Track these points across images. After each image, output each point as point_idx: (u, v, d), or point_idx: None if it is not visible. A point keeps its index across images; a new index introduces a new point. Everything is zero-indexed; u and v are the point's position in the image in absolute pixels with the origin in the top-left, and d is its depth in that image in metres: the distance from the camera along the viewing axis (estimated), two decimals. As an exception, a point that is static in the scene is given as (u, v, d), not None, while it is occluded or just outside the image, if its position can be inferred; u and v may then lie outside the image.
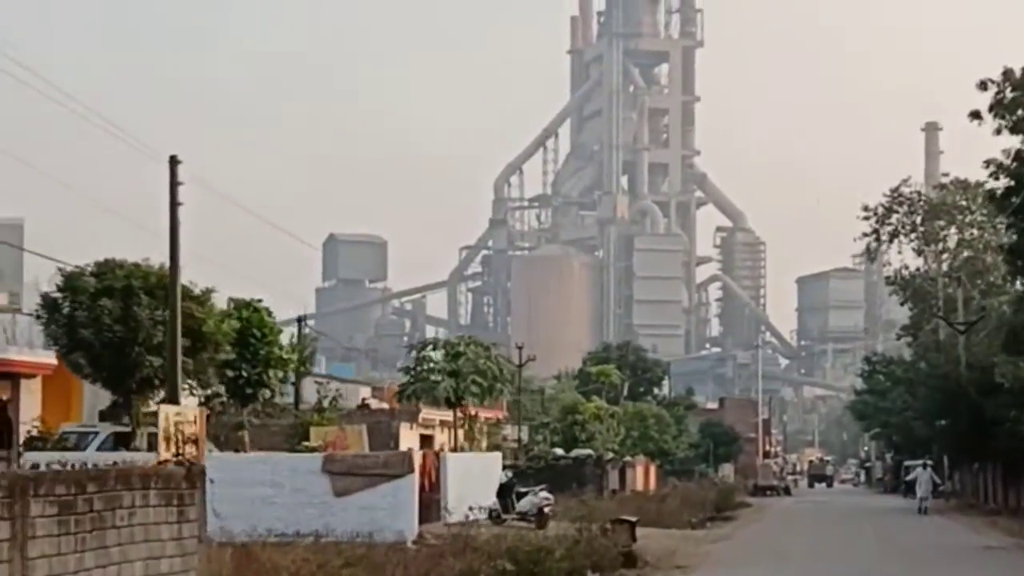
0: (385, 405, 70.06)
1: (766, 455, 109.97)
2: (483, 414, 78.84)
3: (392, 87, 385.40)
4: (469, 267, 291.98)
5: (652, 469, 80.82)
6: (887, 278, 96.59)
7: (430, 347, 40.40)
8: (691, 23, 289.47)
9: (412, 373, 39.87)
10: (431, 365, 39.79)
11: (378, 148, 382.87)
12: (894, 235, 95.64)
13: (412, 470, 33.92)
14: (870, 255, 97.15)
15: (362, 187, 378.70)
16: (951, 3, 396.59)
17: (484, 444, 77.92)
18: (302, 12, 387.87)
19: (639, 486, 75.20)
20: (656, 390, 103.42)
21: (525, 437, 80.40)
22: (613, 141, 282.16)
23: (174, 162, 28.34)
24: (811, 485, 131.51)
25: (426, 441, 73.39)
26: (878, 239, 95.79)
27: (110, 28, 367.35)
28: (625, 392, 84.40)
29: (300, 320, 52.17)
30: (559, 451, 68.03)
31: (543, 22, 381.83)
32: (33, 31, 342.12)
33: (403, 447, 67.69)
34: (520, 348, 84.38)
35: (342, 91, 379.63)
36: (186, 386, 38.73)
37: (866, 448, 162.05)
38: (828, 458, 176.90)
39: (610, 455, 67.40)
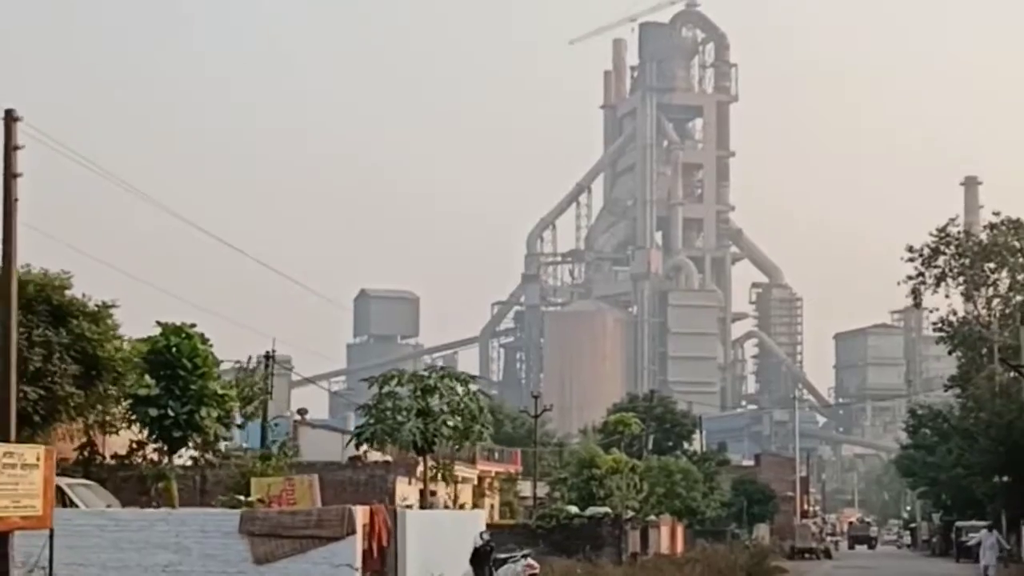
0: (389, 458, 62.57)
1: (804, 515, 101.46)
2: (494, 468, 71.28)
3: (425, 141, 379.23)
4: (502, 323, 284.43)
5: (679, 530, 72.72)
6: (934, 324, 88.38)
7: (395, 380, 32.52)
8: (725, 77, 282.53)
9: (373, 412, 32.01)
10: (396, 403, 31.90)
11: (410, 203, 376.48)
12: (940, 279, 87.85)
13: (353, 531, 26.26)
14: (915, 300, 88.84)
15: (394, 242, 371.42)
16: (987, 64, 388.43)
17: (496, 501, 70.38)
18: (337, 71, 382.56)
19: (664, 548, 67.14)
20: (686, 444, 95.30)
21: (542, 493, 72.77)
22: (647, 196, 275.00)
23: (10, 118, 20.87)
24: (852, 547, 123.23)
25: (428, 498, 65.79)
26: (923, 283, 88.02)
27: (118, 86, 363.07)
28: (650, 445, 76.41)
29: (268, 357, 44.66)
30: (573, 509, 60.04)
31: (576, 76, 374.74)
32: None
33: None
34: (536, 397, 76.74)
35: (375, 147, 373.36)
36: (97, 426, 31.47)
37: (908, 508, 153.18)
38: (869, 519, 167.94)
39: (630, 514, 59.40)
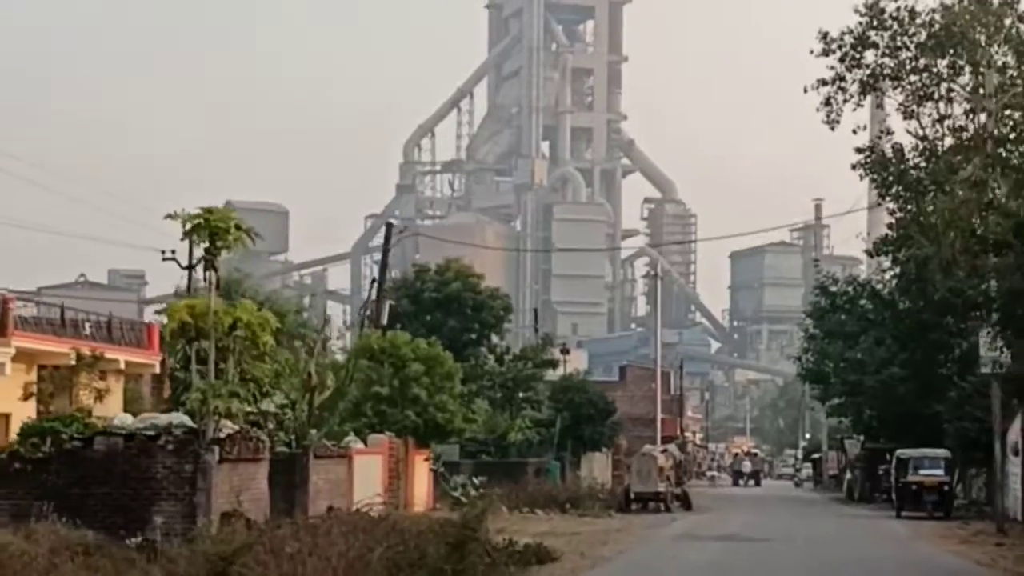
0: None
1: (668, 439, 68.25)
2: (60, 346, 37.42)
3: (294, 37, 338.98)
4: (375, 237, 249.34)
5: (418, 462, 38.79)
6: (857, 154, 54.64)
7: None
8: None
9: None
10: None
11: (279, 108, 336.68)
12: (869, 84, 54.52)
13: None
14: (829, 117, 54.28)
15: (260, 150, 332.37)
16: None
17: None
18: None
19: (359, 497, 33.18)
20: (495, 338, 61.66)
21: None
22: (533, 103, 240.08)
23: None
24: (735, 483, 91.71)
25: None
26: (842, 89, 54.55)
27: None
28: (383, 319, 42.21)
29: None
30: (123, 420, 26.56)
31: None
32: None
33: None
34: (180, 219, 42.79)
35: (239, 44, 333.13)
36: None
37: (808, 435, 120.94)
38: (757, 450, 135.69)
39: (225, 428, 25.52)
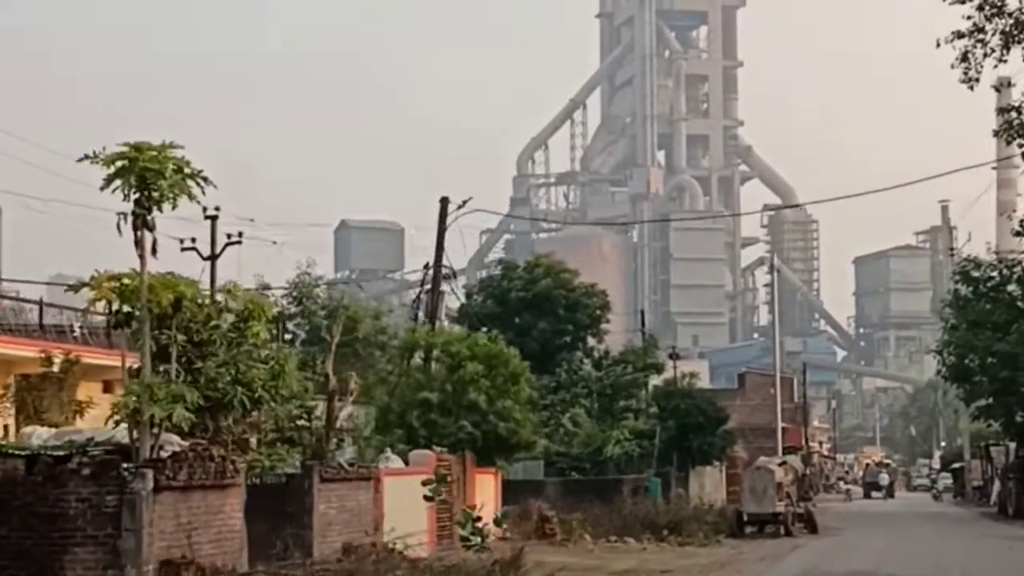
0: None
1: (791, 450, 59.92)
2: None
3: (407, 58, 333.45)
4: (491, 252, 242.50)
5: (479, 482, 31.32)
6: (997, 115, 46.17)
7: None
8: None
9: None
10: None
11: (391, 124, 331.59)
12: (1014, 35, 46.07)
13: None
14: (966, 75, 45.69)
15: (375, 168, 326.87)
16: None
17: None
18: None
19: (396, 526, 25.86)
20: (592, 340, 54.08)
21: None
22: (647, 112, 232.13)
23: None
24: (867, 495, 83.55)
25: None
26: (981, 42, 46.06)
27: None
28: (419, 313, 34.67)
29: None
30: (39, 437, 19.50)
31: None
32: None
33: None
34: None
35: (351, 61, 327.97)
36: None
37: (943, 443, 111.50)
38: (888, 460, 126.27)
39: (169, 445, 18.31)
